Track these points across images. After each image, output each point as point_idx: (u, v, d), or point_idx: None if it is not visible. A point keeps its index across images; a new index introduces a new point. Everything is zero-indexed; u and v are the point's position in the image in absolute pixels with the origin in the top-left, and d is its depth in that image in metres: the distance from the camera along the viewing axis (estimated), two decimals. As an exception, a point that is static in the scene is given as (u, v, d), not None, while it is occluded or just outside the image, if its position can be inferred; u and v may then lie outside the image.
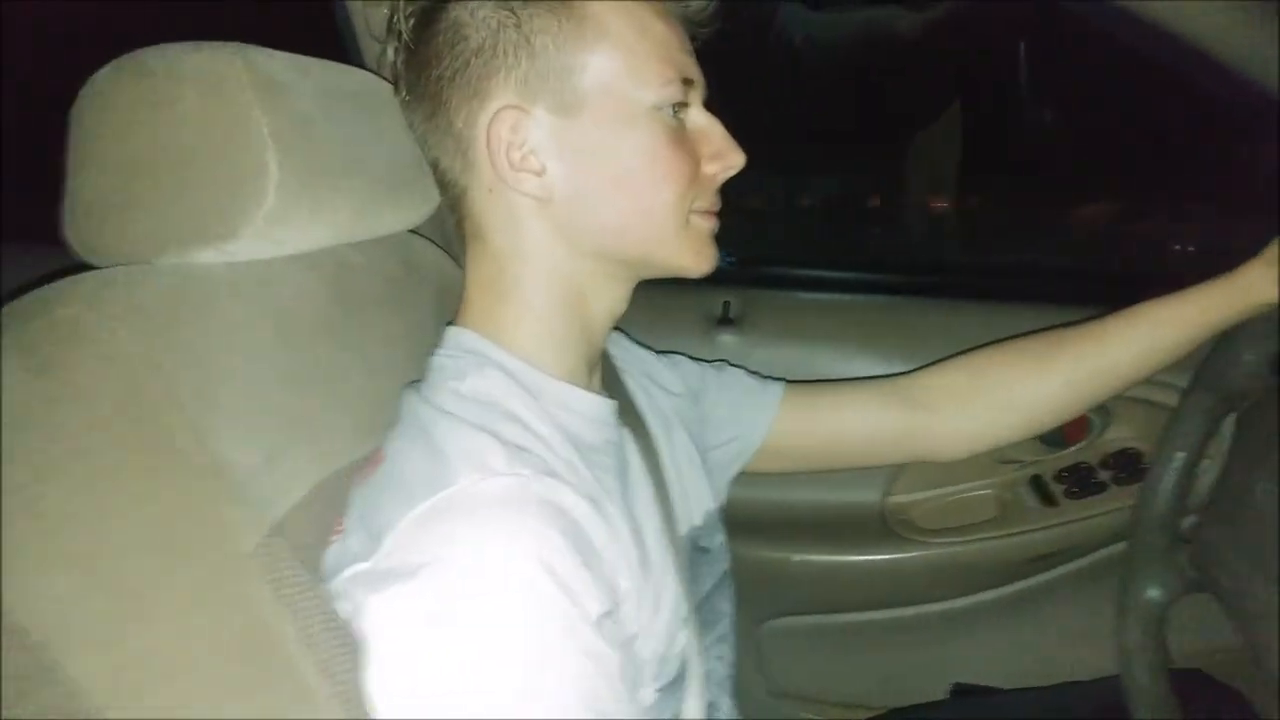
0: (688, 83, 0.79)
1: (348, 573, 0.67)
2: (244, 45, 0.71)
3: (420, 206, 0.88)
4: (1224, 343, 1.04)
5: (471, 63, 0.75)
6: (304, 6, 1.17)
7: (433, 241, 0.98)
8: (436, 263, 0.97)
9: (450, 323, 0.84)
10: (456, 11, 0.76)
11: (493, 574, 0.63)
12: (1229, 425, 1.08)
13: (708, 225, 0.83)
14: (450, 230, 1.07)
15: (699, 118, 0.82)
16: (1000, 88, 2.00)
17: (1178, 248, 1.79)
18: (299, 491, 0.70)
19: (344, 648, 0.64)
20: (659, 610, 0.79)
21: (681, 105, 0.79)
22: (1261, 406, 1.02)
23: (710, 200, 0.83)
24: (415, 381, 0.81)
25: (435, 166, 0.82)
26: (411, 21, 0.79)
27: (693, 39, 0.82)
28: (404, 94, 0.81)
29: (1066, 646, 1.51)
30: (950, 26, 1.91)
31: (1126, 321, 1.01)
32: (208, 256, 0.70)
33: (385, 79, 0.84)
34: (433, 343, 0.83)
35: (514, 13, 0.74)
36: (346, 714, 0.62)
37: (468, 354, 0.79)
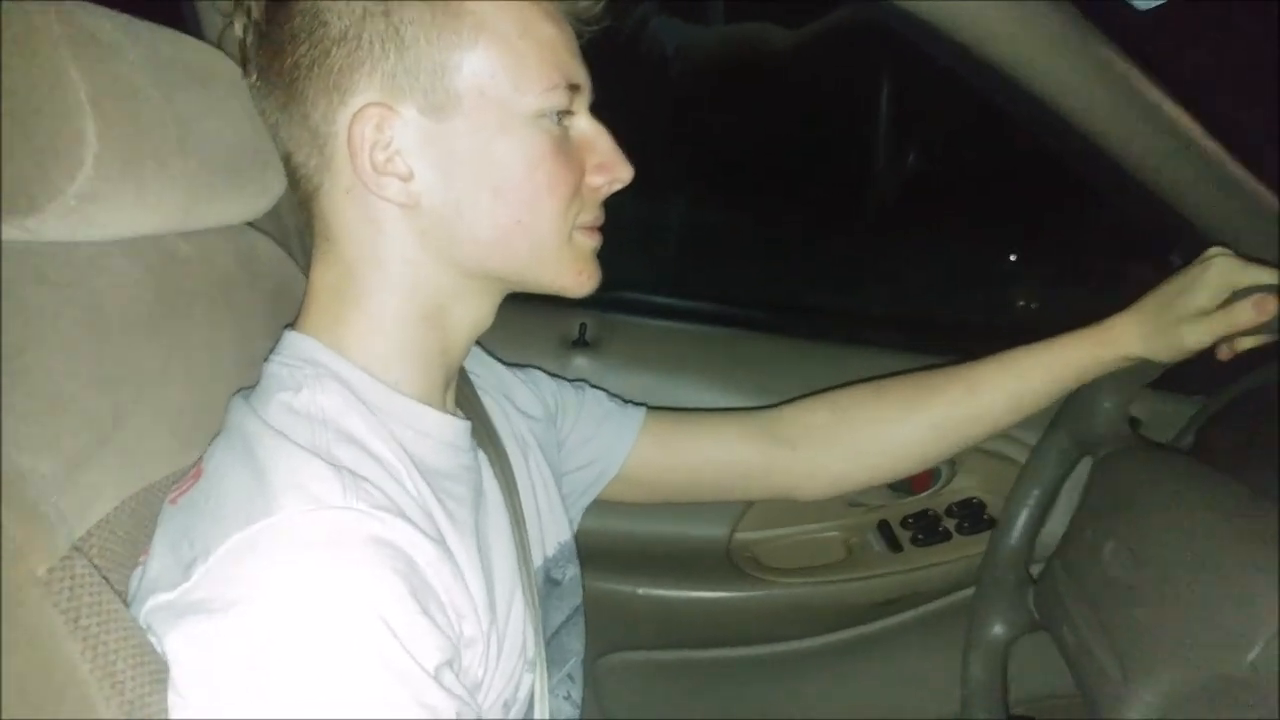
0: (574, 88, 0.73)
1: (150, 604, 0.59)
2: None
3: (258, 198, 0.79)
4: (1085, 388, 1.04)
5: (332, 52, 0.68)
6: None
7: (271, 237, 0.89)
8: (274, 261, 0.88)
9: (289, 326, 0.76)
10: None
11: (315, 619, 0.56)
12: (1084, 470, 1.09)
13: (590, 243, 0.78)
14: (289, 227, 1.00)
15: (585, 126, 0.76)
16: (864, 119, 2.00)
17: (1021, 304, 1.85)
18: (104, 506, 0.61)
19: (155, 687, 0.56)
20: (504, 654, 0.73)
21: (566, 112, 0.73)
22: (1117, 458, 1.03)
23: (594, 215, 0.77)
24: (245, 389, 0.73)
25: (288, 160, 0.74)
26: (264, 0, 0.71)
27: (579, 36, 0.76)
28: (254, 79, 0.73)
29: (905, 692, 1.52)
30: (823, 47, 1.91)
31: (995, 369, 0.99)
32: (7, 233, 0.60)
33: (228, 54, 0.76)
34: (264, 349, 0.75)
35: (382, 0, 0.67)
36: (153, 765, 0.54)
37: (305, 363, 0.71)
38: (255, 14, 0.71)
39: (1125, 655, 0.87)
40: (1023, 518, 1.11)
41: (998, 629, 1.11)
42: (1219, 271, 0.88)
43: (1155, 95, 1.10)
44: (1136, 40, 1.06)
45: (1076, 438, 1.07)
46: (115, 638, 0.55)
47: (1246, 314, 0.85)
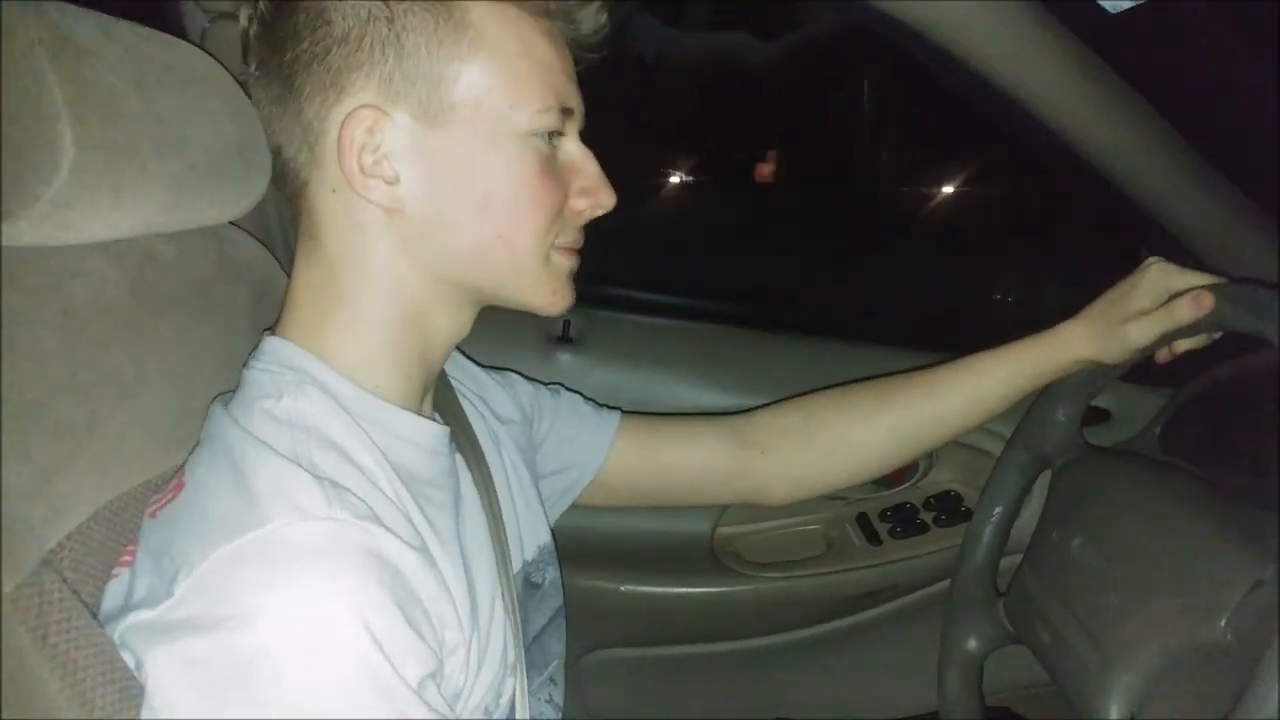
0: (566, 112, 0.74)
1: (129, 620, 0.58)
2: None
3: (241, 198, 0.78)
4: (1040, 401, 1.08)
5: (333, 51, 0.68)
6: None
7: (254, 237, 0.88)
8: (256, 260, 0.87)
9: (269, 330, 0.75)
10: None
11: (303, 632, 0.56)
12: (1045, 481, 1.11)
13: (568, 264, 0.78)
14: (273, 226, 0.99)
15: (573, 149, 0.77)
16: (845, 124, 2.02)
17: (998, 296, 1.86)
18: (77, 516, 0.61)
19: (126, 704, 0.56)
20: (486, 661, 0.73)
21: (556, 134, 0.74)
22: (1074, 466, 1.06)
23: (573, 237, 0.78)
24: (225, 394, 0.72)
25: (278, 154, 0.74)
26: None
27: (577, 63, 0.76)
28: (253, 69, 0.73)
29: (887, 683, 1.53)
30: (799, 60, 1.92)
31: (955, 372, 1.02)
32: None
33: (208, 53, 0.75)
34: (245, 349, 0.74)
35: (387, 5, 0.67)
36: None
37: (286, 369, 0.71)
38: (262, 7, 0.71)
39: (1102, 642, 0.88)
40: (987, 534, 1.13)
41: (971, 644, 1.13)
42: (1155, 275, 0.92)
43: (1123, 94, 1.12)
44: (1107, 42, 1.07)
45: (1034, 452, 1.10)
46: (85, 655, 0.55)
47: (1185, 309, 0.88)
